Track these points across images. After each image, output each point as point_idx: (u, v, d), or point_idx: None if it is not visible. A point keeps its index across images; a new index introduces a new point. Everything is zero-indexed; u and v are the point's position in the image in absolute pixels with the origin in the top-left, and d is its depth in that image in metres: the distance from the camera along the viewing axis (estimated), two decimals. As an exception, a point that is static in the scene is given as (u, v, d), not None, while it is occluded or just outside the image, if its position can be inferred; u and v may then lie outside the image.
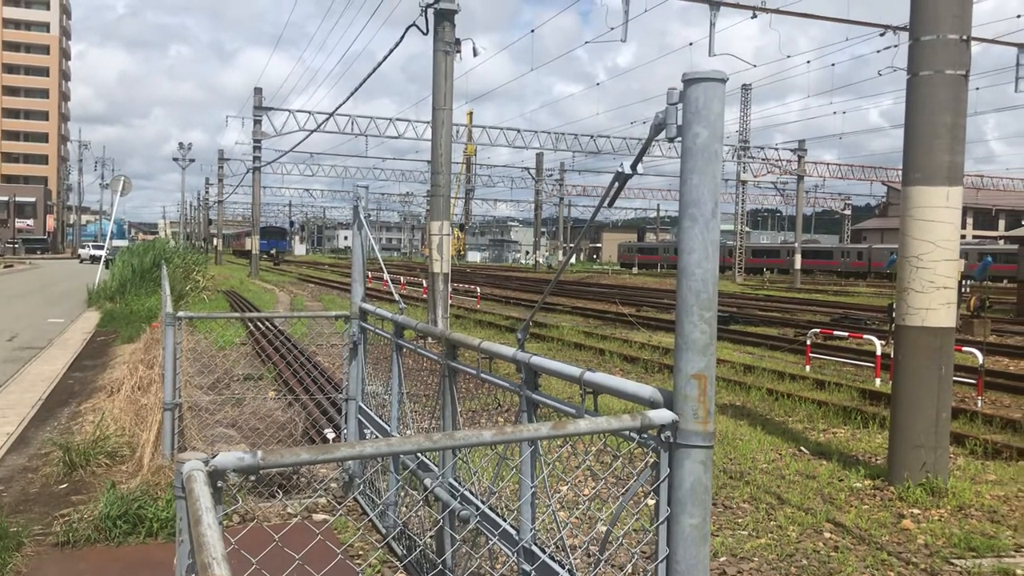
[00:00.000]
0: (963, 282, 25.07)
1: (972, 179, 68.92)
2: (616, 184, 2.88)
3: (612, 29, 26.12)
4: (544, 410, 3.55)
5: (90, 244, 79.29)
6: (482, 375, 4.11)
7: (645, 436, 2.71)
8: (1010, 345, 19.82)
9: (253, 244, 57.70)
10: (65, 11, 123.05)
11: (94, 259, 65.16)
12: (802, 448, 9.53)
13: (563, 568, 3.27)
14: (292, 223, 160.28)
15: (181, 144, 69.54)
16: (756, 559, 6.11)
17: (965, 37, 7.90)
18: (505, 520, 3.81)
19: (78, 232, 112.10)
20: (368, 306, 6.75)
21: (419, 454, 5.01)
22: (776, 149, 61.37)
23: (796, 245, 60.04)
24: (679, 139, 2.59)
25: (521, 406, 3.60)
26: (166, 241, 50.58)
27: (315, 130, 45.00)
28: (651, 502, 2.77)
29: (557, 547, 3.49)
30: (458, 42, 18.96)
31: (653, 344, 18.43)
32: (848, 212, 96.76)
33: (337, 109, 35.27)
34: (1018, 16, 29.30)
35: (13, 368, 13.43)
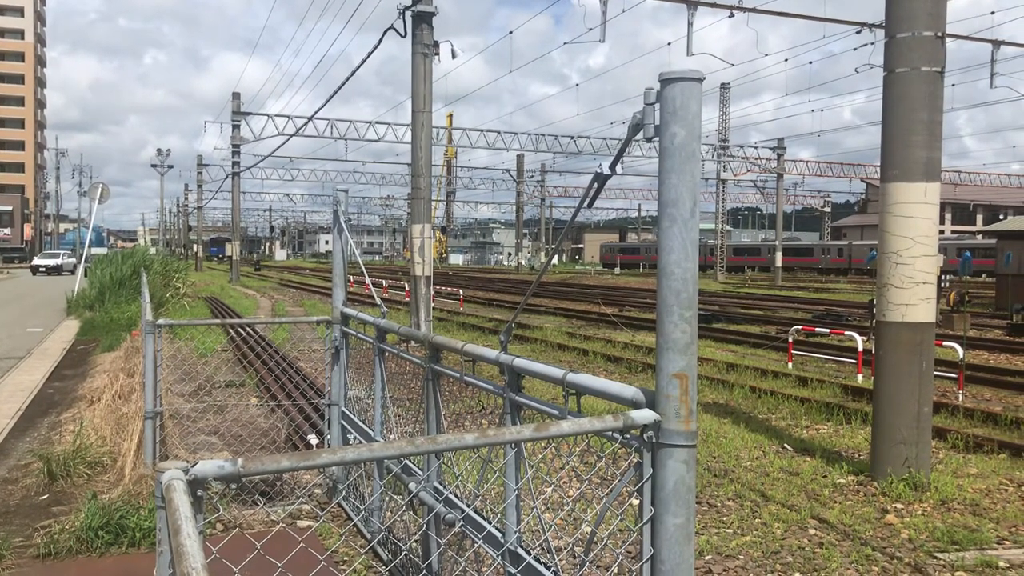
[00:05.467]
0: (943, 277, 25.25)
1: (950, 175, 69.46)
2: (596, 184, 2.87)
3: (590, 30, 26.17)
4: (528, 412, 3.54)
5: (64, 252, 72.62)
6: (465, 378, 4.10)
7: (628, 436, 2.70)
8: (989, 339, 19.99)
9: (233, 250, 57.43)
10: (39, 18, 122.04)
11: (50, 271, 60.63)
12: (785, 445, 9.57)
13: (548, 570, 3.26)
14: (272, 228, 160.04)
15: (159, 150, 69.31)
16: (741, 557, 6.12)
17: (940, 34, 7.96)
18: (490, 523, 3.80)
19: (56, 240, 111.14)
20: (350, 310, 6.73)
21: (403, 458, 4.99)
22: (755, 147, 61.67)
23: (777, 243, 60.38)
24: (657, 139, 2.59)
25: (505, 408, 3.59)
26: (145, 248, 50.23)
27: (294, 134, 44.88)
28: (635, 502, 2.77)
29: (542, 549, 3.49)
30: (436, 44, 18.94)
31: (636, 344, 18.47)
32: (828, 209, 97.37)
33: (316, 113, 35.11)
34: (992, 13, 29.62)
35: (-9, 379, 13.29)
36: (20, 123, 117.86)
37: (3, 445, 9.07)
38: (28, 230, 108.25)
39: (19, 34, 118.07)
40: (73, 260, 66.07)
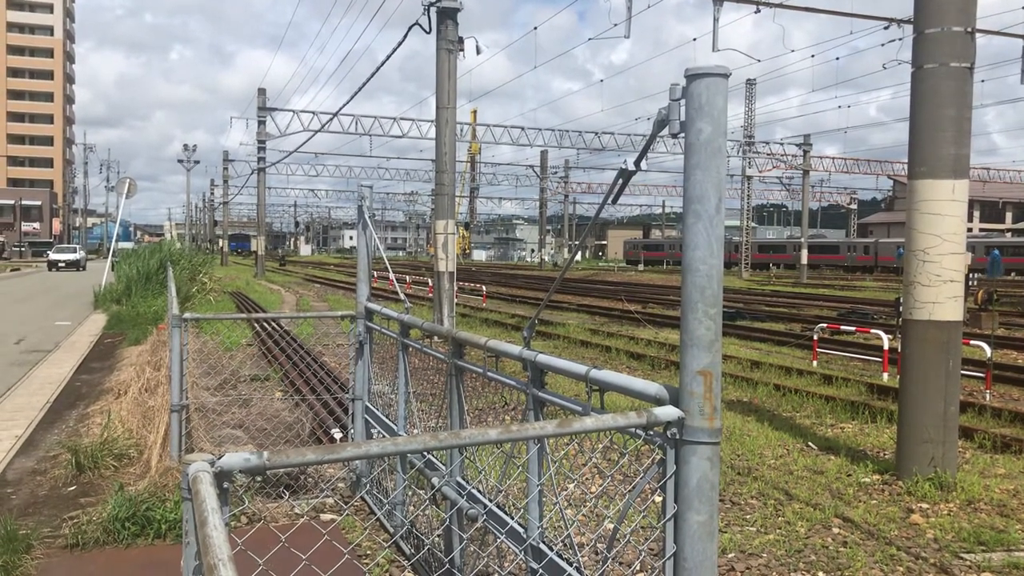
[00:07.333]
0: (971, 275, 24.98)
1: (978, 172, 68.66)
2: (620, 180, 2.87)
3: (615, 25, 26.07)
4: (551, 408, 3.54)
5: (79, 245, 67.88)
6: (488, 374, 4.10)
7: (651, 433, 2.70)
8: (1018, 338, 19.75)
9: (258, 245, 57.81)
10: (68, 14, 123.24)
11: (69, 266, 56.14)
12: (810, 443, 9.51)
13: (571, 566, 3.26)
14: (297, 224, 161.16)
15: (186, 146, 69.77)
16: (765, 555, 6.10)
17: (970, 29, 7.87)
18: (512, 518, 3.81)
19: (84, 235, 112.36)
20: (374, 306, 6.75)
21: (426, 453, 5.01)
22: (781, 144, 61.27)
23: (802, 240, 59.91)
24: (682, 135, 2.58)
25: (528, 404, 3.60)
26: (172, 243, 50.65)
27: (319, 130, 45.07)
28: (658, 499, 2.77)
29: (565, 545, 3.49)
30: (461, 40, 18.95)
31: (659, 341, 18.40)
32: (854, 206, 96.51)
33: (341, 109, 35.27)
34: (1023, 8, 29.14)
35: (21, 371, 13.46)
36: (49, 118, 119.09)
37: (32, 437, 9.19)
38: (56, 224, 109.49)
39: (48, 30, 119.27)
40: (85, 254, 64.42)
